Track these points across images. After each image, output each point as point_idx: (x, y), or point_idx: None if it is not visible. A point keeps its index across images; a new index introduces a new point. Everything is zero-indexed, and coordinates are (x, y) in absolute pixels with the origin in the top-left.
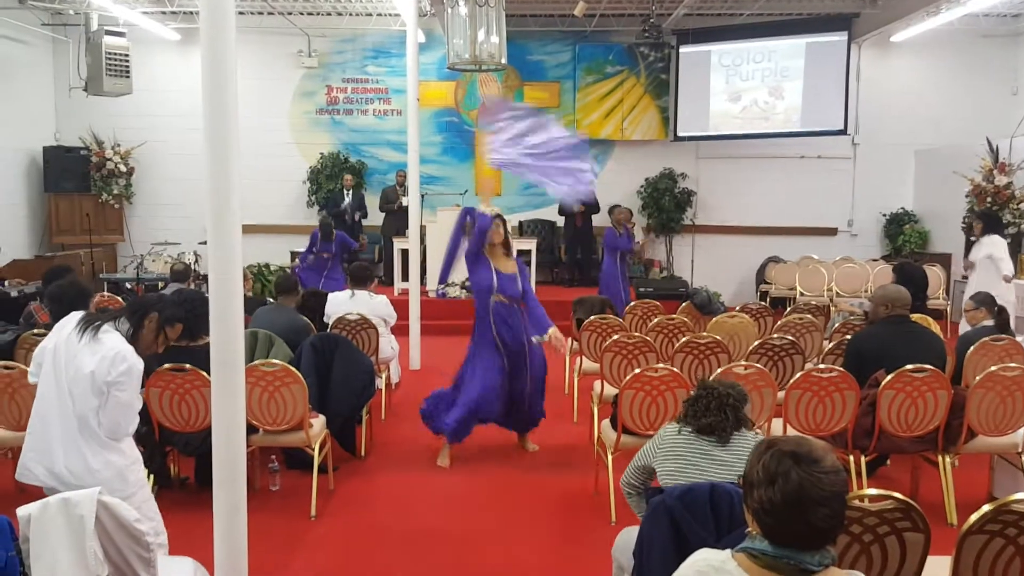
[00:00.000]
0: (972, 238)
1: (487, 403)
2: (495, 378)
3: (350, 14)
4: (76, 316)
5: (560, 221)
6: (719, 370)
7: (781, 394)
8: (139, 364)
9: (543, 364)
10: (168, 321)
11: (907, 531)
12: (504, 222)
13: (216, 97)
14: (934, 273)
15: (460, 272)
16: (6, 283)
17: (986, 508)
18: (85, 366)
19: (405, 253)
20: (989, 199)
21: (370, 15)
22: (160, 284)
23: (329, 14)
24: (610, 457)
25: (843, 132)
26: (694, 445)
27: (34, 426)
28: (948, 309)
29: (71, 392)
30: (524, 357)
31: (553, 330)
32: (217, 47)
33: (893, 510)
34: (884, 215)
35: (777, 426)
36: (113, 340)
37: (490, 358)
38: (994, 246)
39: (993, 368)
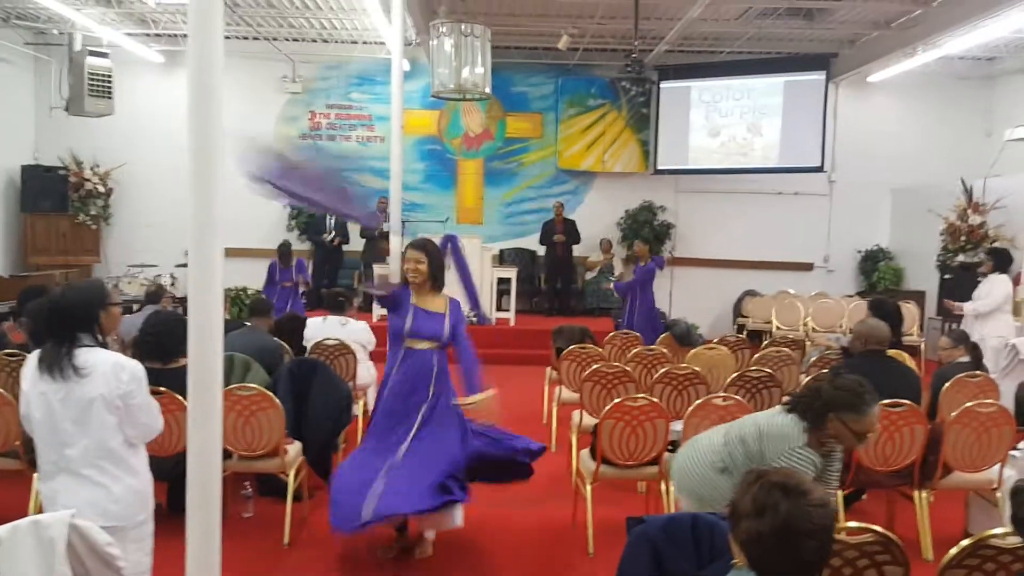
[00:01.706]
0: (979, 276)
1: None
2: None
3: (335, 41)
4: (32, 360)
5: (541, 250)
6: (697, 401)
7: None
8: (138, 365)
9: (462, 440)
10: (100, 304)
11: (886, 564)
12: (428, 255)
13: (201, 120)
14: (909, 310)
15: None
16: None
17: (965, 543)
18: (89, 393)
19: None
20: (963, 238)
21: (355, 42)
22: (134, 306)
23: (315, 40)
24: (588, 488)
25: (820, 169)
26: None
27: (46, 473)
28: (923, 345)
29: (81, 425)
30: (431, 425)
31: (482, 396)
32: (204, 71)
33: (872, 543)
34: (860, 252)
35: None
36: (99, 356)
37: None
38: (996, 283)
39: (969, 404)
